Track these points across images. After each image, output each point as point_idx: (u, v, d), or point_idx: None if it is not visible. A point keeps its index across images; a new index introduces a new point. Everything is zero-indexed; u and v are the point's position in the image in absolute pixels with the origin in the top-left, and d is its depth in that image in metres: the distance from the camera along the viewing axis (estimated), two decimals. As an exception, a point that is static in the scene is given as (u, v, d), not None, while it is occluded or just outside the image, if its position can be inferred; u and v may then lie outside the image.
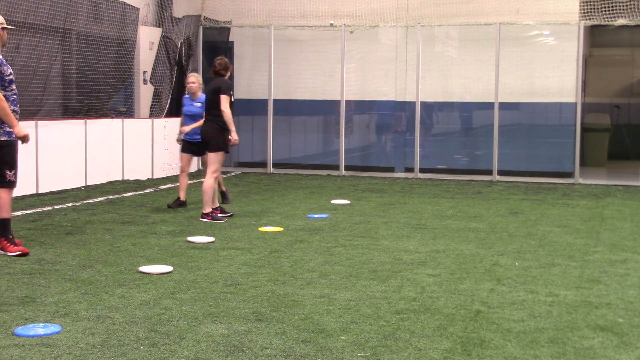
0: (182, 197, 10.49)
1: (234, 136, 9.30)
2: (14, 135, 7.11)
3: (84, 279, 6.34)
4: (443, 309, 5.56)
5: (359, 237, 8.44)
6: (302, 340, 4.81)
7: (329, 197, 11.82)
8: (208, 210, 9.33)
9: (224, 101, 9.16)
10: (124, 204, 10.74)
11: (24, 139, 7.16)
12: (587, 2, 14.34)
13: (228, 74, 9.50)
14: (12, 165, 7.17)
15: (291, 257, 7.35)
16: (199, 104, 10.34)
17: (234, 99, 9.61)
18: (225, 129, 9.31)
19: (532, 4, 14.76)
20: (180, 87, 15.36)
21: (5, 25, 7.19)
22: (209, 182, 9.33)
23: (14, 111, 7.07)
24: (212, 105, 9.31)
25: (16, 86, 7.22)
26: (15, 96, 7.13)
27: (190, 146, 10.47)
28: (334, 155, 15.80)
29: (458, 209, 10.75)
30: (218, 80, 9.35)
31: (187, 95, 10.70)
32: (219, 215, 9.41)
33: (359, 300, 5.77)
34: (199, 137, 9.85)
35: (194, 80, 10.51)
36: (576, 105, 14.56)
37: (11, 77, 7.08)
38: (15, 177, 7.24)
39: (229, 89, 9.28)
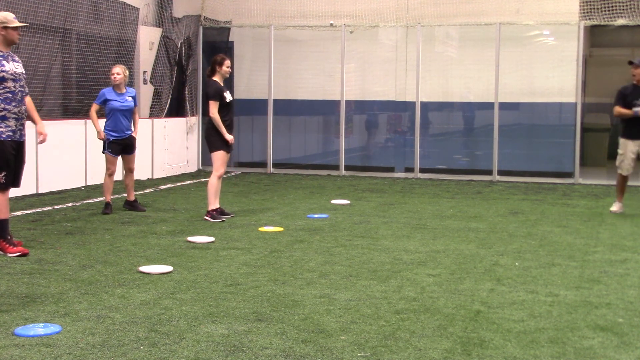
0: (109, 199, 9.99)
1: (226, 137, 9.36)
2: (4, 137, 7.03)
3: (84, 279, 6.34)
4: (443, 309, 5.55)
5: (359, 237, 8.44)
6: (302, 340, 4.81)
7: (329, 197, 11.82)
8: (210, 208, 9.43)
9: (211, 107, 9.34)
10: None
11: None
12: (587, 2, 14.33)
13: (217, 74, 9.44)
14: (2, 167, 7.10)
15: (291, 257, 7.35)
16: (131, 98, 9.94)
17: (233, 99, 9.62)
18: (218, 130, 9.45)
19: (532, 4, 14.75)
20: (180, 87, 15.37)
21: (8, 25, 7.17)
22: (210, 181, 9.52)
23: (4, 109, 6.99)
24: (206, 109, 9.57)
25: (16, 86, 7.17)
26: (9, 94, 7.04)
27: (125, 142, 9.98)
28: (334, 155, 15.80)
29: (458, 209, 10.75)
30: (208, 84, 9.53)
31: (110, 88, 9.88)
32: (218, 215, 9.46)
33: (359, 300, 5.77)
34: (129, 132, 9.99)
35: (120, 71, 9.81)
36: (576, 105, 14.56)
37: (2, 74, 7.02)
38: (7, 179, 7.14)
39: (216, 94, 9.33)
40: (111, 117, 9.85)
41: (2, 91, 7.00)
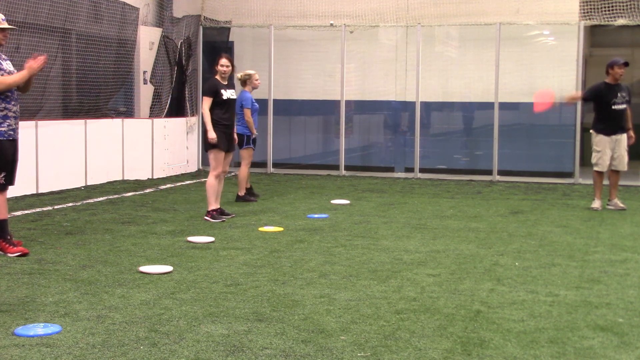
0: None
1: (209, 135, 9.29)
2: (6, 136, 7.06)
3: (84, 279, 6.34)
4: (443, 309, 5.55)
5: (359, 237, 8.44)
6: (302, 340, 4.81)
7: (329, 197, 11.82)
8: (210, 208, 9.43)
9: (202, 102, 9.46)
10: (124, 204, 10.74)
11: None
12: (587, 2, 14.33)
13: (217, 73, 9.49)
14: (2, 167, 7.11)
15: (291, 257, 7.35)
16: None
17: (233, 98, 9.59)
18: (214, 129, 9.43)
19: (532, 4, 14.75)
20: (180, 87, 15.37)
21: (2, 26, 7.12)
22: (208, 180, 9.54)
23: (5, 108, 7.01)
24: None
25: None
26: (8, 93, 7.03)
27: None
28: (334, 155, 15.79)
29: (458, 209, 10.75)
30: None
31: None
32: (217, 215, 9.46)
33: (359, 300, 5.77)
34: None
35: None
36: (576, 105, 14.56)
37: (1, 73, 7.03)
38: (7, 180, 7.14)
39: (209, 90, 9.42)
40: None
41: None
